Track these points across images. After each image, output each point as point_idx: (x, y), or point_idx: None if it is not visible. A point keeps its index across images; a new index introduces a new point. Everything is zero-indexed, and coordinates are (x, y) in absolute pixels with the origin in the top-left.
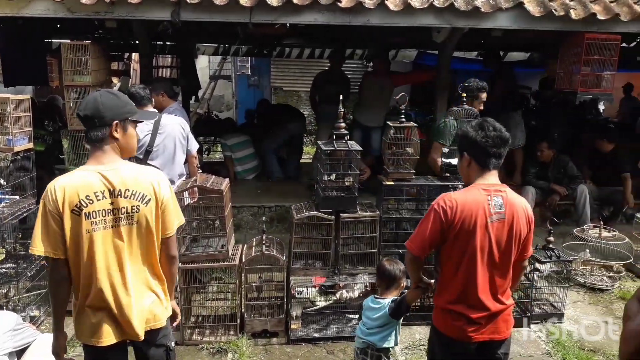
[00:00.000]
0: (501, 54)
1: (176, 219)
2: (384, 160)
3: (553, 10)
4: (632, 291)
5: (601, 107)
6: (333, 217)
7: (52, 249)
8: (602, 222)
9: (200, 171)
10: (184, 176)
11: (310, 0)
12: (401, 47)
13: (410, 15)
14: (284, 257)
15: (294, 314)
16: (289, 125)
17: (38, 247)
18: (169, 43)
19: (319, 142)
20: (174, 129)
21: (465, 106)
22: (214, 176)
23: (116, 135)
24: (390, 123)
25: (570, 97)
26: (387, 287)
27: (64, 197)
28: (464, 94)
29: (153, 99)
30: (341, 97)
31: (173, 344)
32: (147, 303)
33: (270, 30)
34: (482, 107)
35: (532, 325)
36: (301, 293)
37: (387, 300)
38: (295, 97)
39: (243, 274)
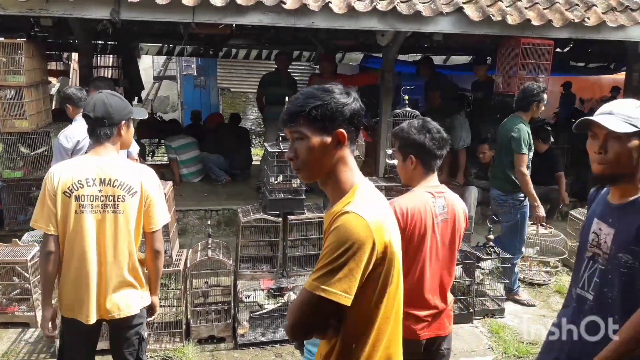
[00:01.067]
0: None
1: (162, 216)
2: None
3: (491, 16)
4: (567, 285)
5: None
6: (280, 219)
7: (45, 224)
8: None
9: None
10: None
11: (254, 1)
12: (348, 49)
13: (354, 18)
14: (231, 261)
15: (242, 318)
16: (231, 148)
17: (36, 221)
18: (111, 42)
19: (266, 144)
20: None
21: (407, 108)
22: None
23: (122, 133)
24: None
25: (508, 99)
26: None
27: (59, 180)
28: (406, 97)
29: None
30: (287, 98)
31: (146, 335)
32: (121, 288)
33: (215, 30)
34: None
35: (475, 321)
36: (249, 297)
37: None
38: (243, 99)
39: (188, 280)
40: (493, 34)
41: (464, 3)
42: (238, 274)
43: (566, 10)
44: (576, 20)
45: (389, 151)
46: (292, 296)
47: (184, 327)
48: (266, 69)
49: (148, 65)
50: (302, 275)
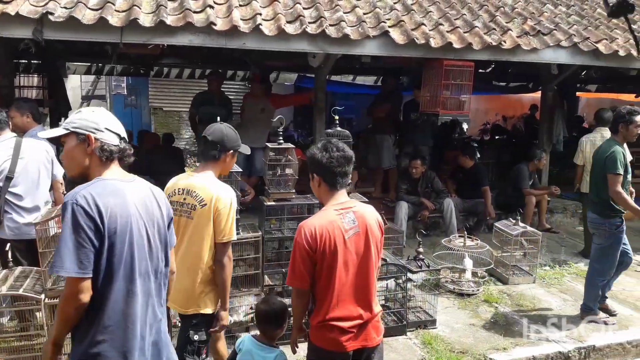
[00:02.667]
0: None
1: (227, 232)
2: (265, 181)
3: (415, 39)
4: (495, 294)
5: (465, 126)
6: None
7: None
8: (466, 232)
9: None
10: (50, 203)
11: (184, 22)
12: (282, 70)
13: (285, 40)
14: None
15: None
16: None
17: None
18: (35, 61)
19: (198, 164)
20: (37, 153)
21: (338, 128)
22: None
23: (227, 160)
24: (269, 145)
25: (433, 118)
26: (265, 331)
27: (167, 187)
28: (336, 117)
29: (11, 122)
30: (218, 118)
31: (196, 337)
32: (182, 285)
33: (145, 50)
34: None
35: (408, 333)
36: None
37: (277, 351)
38: (176, 118)
39: None
40: (418, 57)
41: (389, 27)
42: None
43: (484, 34)
44: (494, 44)
45: None
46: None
47: None
48: (200, 88)
49: (76, 84)
50: (238, 296)
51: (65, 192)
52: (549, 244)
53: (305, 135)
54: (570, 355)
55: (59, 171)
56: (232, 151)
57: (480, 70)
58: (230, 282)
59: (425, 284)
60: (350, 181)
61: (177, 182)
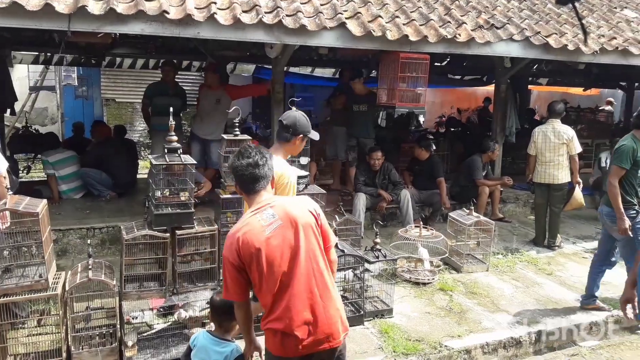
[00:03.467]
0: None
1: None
2: (220, 173)
3: (372, 31)
4: (450, 282)
5: (421, 119)
6: (168, 234)
7: None
8: (422, 222)
9: (11, 192)
10: None
11: (135, 10)
12: (239, 60)
13: (240, 30)
14: (114, 282)
15: (129, 341)
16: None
17: None
18: None
19: (150, 156)
20: None
21: None
22: (28, 197)
23: (296, 143)
24: (224, 136)
25: (390, 110)
26: (221, 323)
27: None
28: (294, 108)
29: None
30: (171, 109)
31: None
32: None
33: (95, 38)
34: None
35: (365, 323)
36: (137, 318)
37: (233, 345)
38: (129, 109)
39: (67, 304)
40: (375, 49)
41: (346, 18)
42: (123, 295)
43: (440, 27)
44: (449, 37)
45: None
46: (183, 314)
47: (64, 354)
48: (155, 78)
49: (23, 74)
50: (193, 291)
51: (8, 186)
52: (501, 233)
53: (264, 127)
54: (521, 340)
55: (2, 165)
56: (301, 135)
57: (436, 64)
58: None
59: (383, 274)
60: (268, 180)
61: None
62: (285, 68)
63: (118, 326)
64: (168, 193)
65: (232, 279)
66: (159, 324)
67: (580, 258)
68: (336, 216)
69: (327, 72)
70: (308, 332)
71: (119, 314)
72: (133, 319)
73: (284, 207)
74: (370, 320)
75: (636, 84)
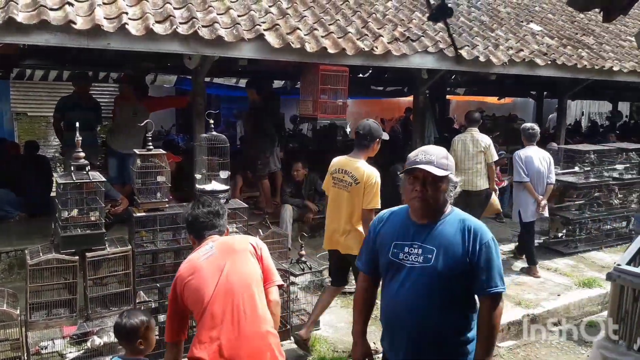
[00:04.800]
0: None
1: (371, 201)
2: (134, 190)
3: (290, 43)
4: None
5: (348, 129)
6: (77, 257)
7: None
8: None
9: None
10: None
11: (38, 19)
12: (159, 71)
13: (154, 41)
14: (18, 311)
15: None
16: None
17: None
18: None
19: (55, 174)
20: None
21: (214, 132)
22: None
23: (374, 147)
24: (136, 151)
25: (312, 122)
26: (129, 345)
27: (331, 165)
28: (212, 121)
29: None
30: (77, 124)
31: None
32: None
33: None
34: None
35: (292, 337)
36: (46, 347)
37: None
38: (43, 123)
39: None
40: (295, 61)
41: (265, 30)
42: (30, 324)
43: (357, 39)
44: (366, 49)
45: (198, 176)
46: (97, 341)
47: None
48: (71, 90)
49: None
50: (107, 316)
51: None
52: None
53: (188, 139)
54: None
55: None
56: (377, 139)
57: (360, 75)
58: None
59: (310, 285)
60: (223, 229)
61: (339, 162)
62: (209, 79)
63: (25, 358)
64: (76, 213)
65: (169, 317)
66: (72, 353)
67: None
68: (260, 230)
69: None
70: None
71: (25, 345)
72: (42, 349)
73: (224, 240)
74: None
75: (545, 93)
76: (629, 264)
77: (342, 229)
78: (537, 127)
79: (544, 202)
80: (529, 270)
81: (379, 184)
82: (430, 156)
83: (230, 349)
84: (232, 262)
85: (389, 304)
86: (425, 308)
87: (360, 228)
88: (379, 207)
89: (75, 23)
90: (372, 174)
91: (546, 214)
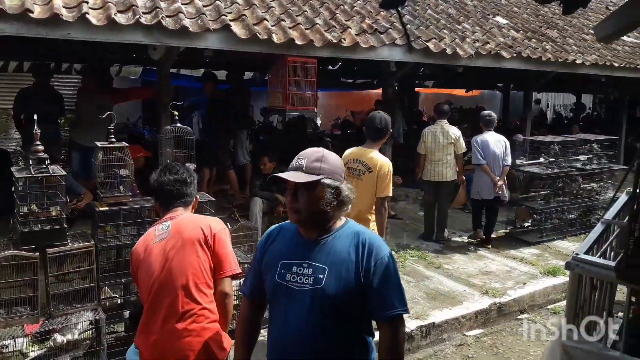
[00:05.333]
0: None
1: (384, 190)
2: (96, 184)
3: (257, 34)
4: None
5: (318, 121)
6: (37, 253)
7: None
8: None
9: None
10: None
11: None
12: (124, 63)
13: (116, 31)
14: None
15: None
16: None
17: None
18: None
19: (13, 168)
20: None
21: (178, 125)
22: None
23: (387, 137)
24: (98, 144)
25: (281, 114)
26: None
27: (344, 156)
28: (176, 113)
29: None
30: (35, 116)
31: None
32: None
33: None
34: None
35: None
36: (7, 347)
37: None
38: (3, 116)
39: None
40: (262, 52)
41: (231, 20)
42: None
43: (325, 31)
44: (334, 41)
45: None
46: (59, 338)
47: None
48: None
49: None
50: (70, 313)
51: None
52: (393, 230)
53: (154, 132)
54: (413, 334)
55: None
56: (390, 131)
57: (329, 67)
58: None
59: None
60: (191, 199)
61: (353, 152)
62: (175, 70)
63: None
64: (36, 208)
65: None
66: (34, 351)
67: (466, 250)
68: (228, 223)
69: (221, 75)
70: (152, 346)
71: None
72: (3, 348)
73: (180, 221)
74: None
75: (511, 85)
76: (586, 253)
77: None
78: (494, 115)
79: (500, 182)
80: (476, 235)
81: (392, 173)
82: (302, 160)
83: (160, 346)
84: (176, 252)
85: (276, 337)
86: (320, 340)
87: (373, 217)
88: (391, 194)
89: (32, 12)
90: (386, 163)
91: (506, 195)
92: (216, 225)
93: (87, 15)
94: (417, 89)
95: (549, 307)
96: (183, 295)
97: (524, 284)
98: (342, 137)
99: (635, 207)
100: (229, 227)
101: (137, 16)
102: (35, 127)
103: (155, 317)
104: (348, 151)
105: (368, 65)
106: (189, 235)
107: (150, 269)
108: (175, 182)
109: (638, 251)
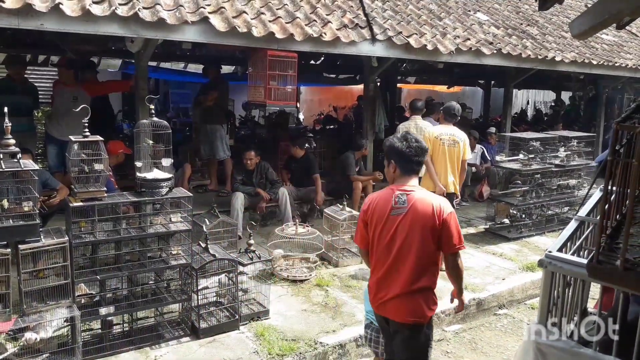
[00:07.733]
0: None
1: (466, 153)
2: (70, 179)
3: (237, 27)
4: (327, 277)
5: (301, 116)
6: (9, 250)
7: None
8: (300, 219)
9: None
10: None
11: None
12: (103, 55)
13: (91, 22)
14: None
15: None
16: None
17: None
18: None
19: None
20: None
21: (154, 118)
22: None
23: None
24: (72, 138)
25: (261, 109)
26: None
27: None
28: (152, 106)
29: None
30: (5, 109)
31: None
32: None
33: None
34: None
35: (241, 327)
36: None
37: None
38: None
39: None
40: (241, 45)
41: (210, 13)
42: None
43: (306, 25)
44: (315, 35)
45: (139, 164)
46: (32, 336)
47: None
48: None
49: None
50: (44, 311)
51: None
52: None
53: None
54: None
55: None
56: (458, 117)
57: (312, 62)
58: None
59: (261, 274)
60: (420, 167)
61: (442, 129)
62: (155, 63)
63: None
64: (6, 204)
65: (360, 228)
66: (7, 350)
67: None
68: (206, 219)
69: (200, 68)
70: (382, 299)
71: None
72: None
73: (416, 201)
74: (246, 323)
75: (492, 82)
76: (560, 250)
77: (445, 178)
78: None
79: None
80: None
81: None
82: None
83: (380, 298)
84: (404, 240)
85: None
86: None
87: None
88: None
89: (4, 2)
90: (465, 136)
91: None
92: (444, 208)
93: (60, 6)
94: (399, 85)
95: (527, 302)
96: (406, 269)
97: (503, 279)
98: (324, 132)
99: (606, 204)
100: (207, 222)
101: (113, 7)
102: (6, 120)
103: (383, 276)
104: (436, 128)
105: (350, 61)
106: (422, 221)
107: (383, 234)
108: (423, 152)
109: (609, 248)
